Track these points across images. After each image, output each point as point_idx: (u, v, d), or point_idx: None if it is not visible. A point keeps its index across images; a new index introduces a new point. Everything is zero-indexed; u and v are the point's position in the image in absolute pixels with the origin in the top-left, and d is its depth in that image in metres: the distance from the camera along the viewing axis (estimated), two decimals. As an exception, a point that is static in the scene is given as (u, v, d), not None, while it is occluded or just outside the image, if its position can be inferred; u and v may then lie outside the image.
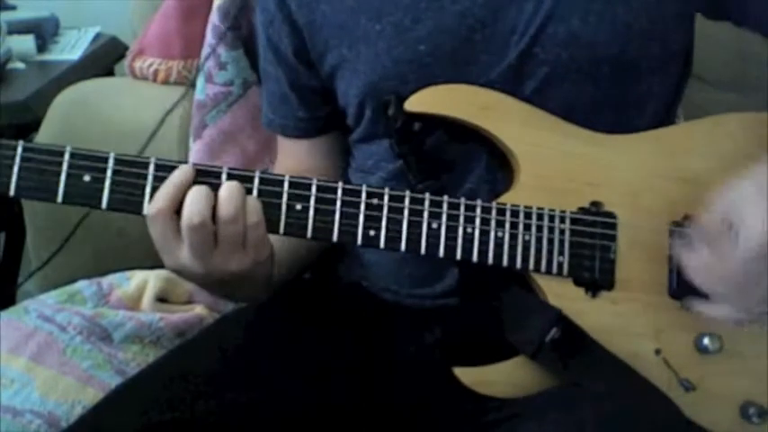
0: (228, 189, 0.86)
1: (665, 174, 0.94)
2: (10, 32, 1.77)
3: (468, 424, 0.92)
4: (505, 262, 0.90)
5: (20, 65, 1.75)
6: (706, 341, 0.91)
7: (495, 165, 0.96)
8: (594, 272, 0.91)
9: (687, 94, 1.07)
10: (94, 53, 1.84)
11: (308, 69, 1.05)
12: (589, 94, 0.95)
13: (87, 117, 1.50)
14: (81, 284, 1.27)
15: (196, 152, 1.34)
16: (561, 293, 0.91)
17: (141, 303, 1.25)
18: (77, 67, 1.77)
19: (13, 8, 1.89)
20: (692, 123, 0.99)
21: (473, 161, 0.97)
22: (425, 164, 0.95)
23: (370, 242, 0.89)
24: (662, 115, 1.02)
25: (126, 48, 1.71)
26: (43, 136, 1.51)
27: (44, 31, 1.84)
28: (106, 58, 1.86)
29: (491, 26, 0.94)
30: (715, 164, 0.94)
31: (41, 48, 1.81)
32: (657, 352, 0.91)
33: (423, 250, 0.89)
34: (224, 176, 0.87)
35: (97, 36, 1.90)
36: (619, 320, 0.91)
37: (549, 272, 0.91)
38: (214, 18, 1.32)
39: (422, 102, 0.93)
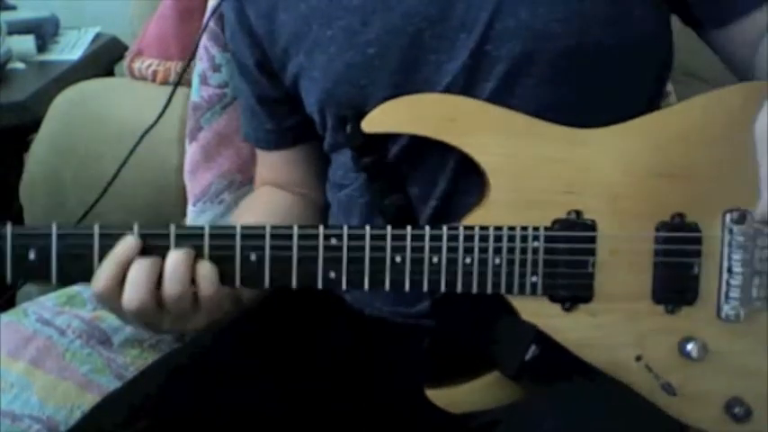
0: (173, 264, 0.81)
1: (652, 169, 0.88)
2: (10, 32, 1.78)
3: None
4: (475, 289, 0.86)
5: (20, 65, 1.75)
6: (690, 347, 0.88)
7: (464, 172, 0.91)
8: (571, 288, 0.87)
9: (687, 94, 1.05)
10: (94, 53, 1.85)
11: (270, 81, 1.03)
12: (552, 92, 0.89)
13: (87, 117, 1.50)
14: (80, 286, 1.27)
15: (192, 154, 1.34)
16: (536, 311, 0.87)
17: (140, 305, 1.25)
18: (77, 67, 1.78)
19: (13, 8, 1.89)
20: (683, 105, 0.91)
21: (440, 170, 0.93)
22: (390, 177, 0.92)
23: (331, 284, 0.84)
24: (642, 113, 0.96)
25: (126, 48, 1.71)
26: (43, 136, 1.52)
27: (44, 31, 1.84)
28: (106, 58, 1.87)
29: (439, 24, 0.89)
30: (708, 152, 0.88)
31: (41, 48, 1.82)
32: (638, 358, 0.88)
33: (387, 286, 0.85)
34: (172, 238, 0.82)
35: (97, 36, 1.91)
36: (598, 332, 0.88)
37: (522, 293, 0.87)
38: (208, 19, 1.31)
39: (379, 120, 0.88)
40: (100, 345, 1.16)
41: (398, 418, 0.97)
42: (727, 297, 0.88)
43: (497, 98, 0.89)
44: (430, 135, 0.87)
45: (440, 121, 0.87)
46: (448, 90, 0.90)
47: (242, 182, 1.34)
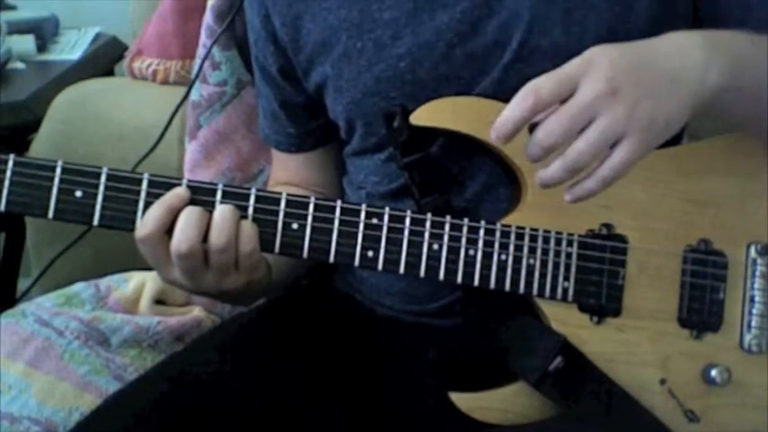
0: (221, 215, 0.84)
1: (682, 195, 0.91)
2: (10, 32, 1.77)
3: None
4: (508, 286, 0.87)
5: (20, 65, 1.74)
6: (714, 373, 0.88)
7: (498, 177, 0.93)
8: (601, 298, 0.88)
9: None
10: (94, 53, 1.84)
11: (293, 87, 1.04)
12: None
13: (87, 117, 1.50)
14: (78, 287, 1.27)
15: (191, 153, 1.33)
16: (565, 319, 0.88)
17: (139, 305, 1.25)
18: (77, 67, 1.77)
19: (13, 8, 1.89)
20: (712, 140, 0.94)
21: (475, 173, 0.94)
22: (430, 177, 0.92)
23: (368, 263, 0.86)
24: None
25: (126, 48, 1.71)
26: (43, 136, 1.51)
27: (44, 31, 1.84)
28: (106, 58, 1.86)
29: (471, 41, 0.91)
30: (735, 185, 0.90)
31: (41, 48, 1.81)
32: (663, 381, 0.89)
33: (422, 273, 0.86)
34: (219, 195, 0.85)
35: (97, 36, 1.90)
36: (624, 348, 0.89)
37: (553, 297, 0.88)
38: (208, 18, 1.31)
39: (428, 116, 0.90)
40: (98, 345, 1.16)
41: (409, 418, 0.97)
42: (749, 327, 0.89)
43: None
44: (472, 134, 0.90)
45: (484, 122, 0.89)
46: None
47: (242, 180, 1.33)
